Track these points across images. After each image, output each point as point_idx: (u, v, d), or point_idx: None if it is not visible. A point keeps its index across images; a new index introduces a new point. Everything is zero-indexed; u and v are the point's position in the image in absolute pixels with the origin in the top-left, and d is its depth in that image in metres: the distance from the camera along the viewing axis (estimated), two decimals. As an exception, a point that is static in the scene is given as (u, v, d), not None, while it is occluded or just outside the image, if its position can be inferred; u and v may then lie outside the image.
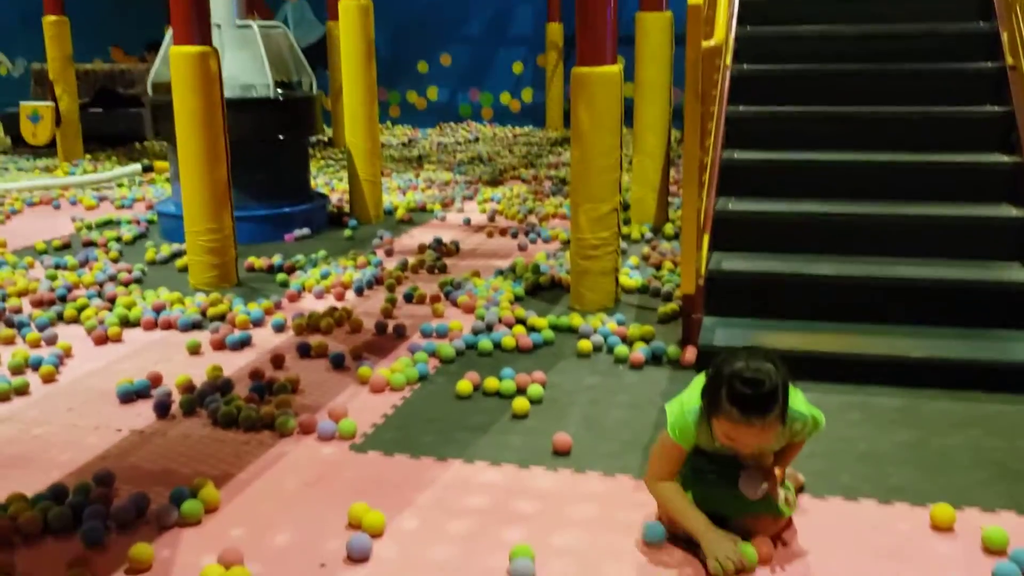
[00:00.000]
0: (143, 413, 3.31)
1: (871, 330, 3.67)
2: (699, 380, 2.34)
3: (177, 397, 3.40)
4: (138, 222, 6.55)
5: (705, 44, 3.66)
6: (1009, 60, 4.40)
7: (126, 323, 4.30)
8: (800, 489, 2.60)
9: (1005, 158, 4.12)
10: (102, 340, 4.08)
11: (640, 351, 3.75)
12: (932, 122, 4.36)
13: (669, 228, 6.09)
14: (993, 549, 2.31)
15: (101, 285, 4.91)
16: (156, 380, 3.55)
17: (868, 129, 4.42)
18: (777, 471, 2.33)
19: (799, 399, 2.26)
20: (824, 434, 2.88)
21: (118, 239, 6.04)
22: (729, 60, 4.70)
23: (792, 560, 2.30)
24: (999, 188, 4.07)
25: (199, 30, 4.74)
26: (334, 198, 7.44)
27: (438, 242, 5.87)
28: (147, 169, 8.75)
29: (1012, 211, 3.91)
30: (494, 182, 8.44)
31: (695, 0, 3.63)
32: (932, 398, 3.30)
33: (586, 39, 4.28)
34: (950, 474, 2.75)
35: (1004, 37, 4.52)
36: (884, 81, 4.62)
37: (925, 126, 4.37)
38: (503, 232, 6.33)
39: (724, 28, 4.12)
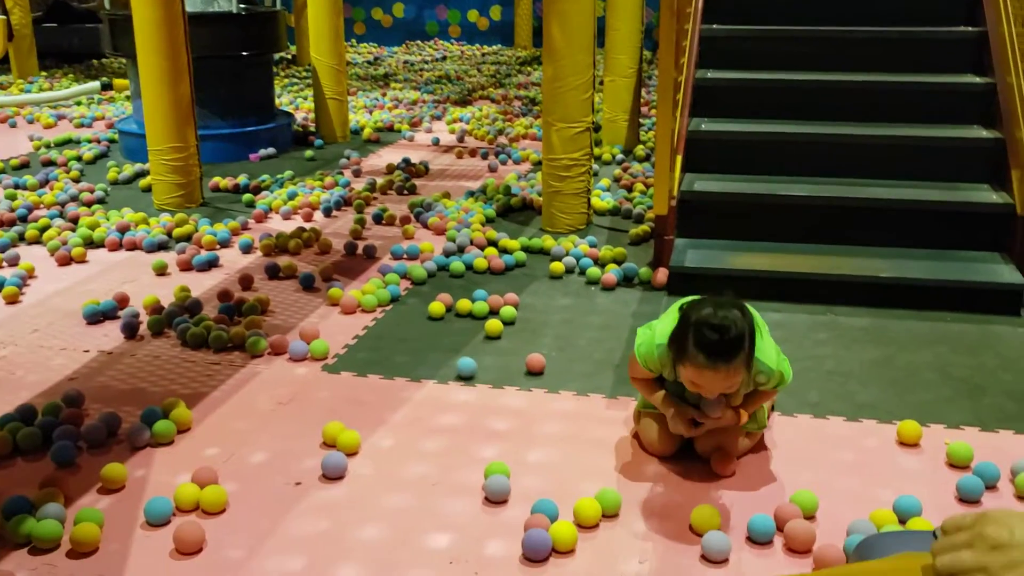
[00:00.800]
0: (110, 334, 3.27)
1: (841, 251, 3.69)
2: (674, 310, 2.34)
3: (145, 318, 3.36)
4: (99, 141, 6.40)
5: (681, -41, 3.59)
6: (984, -20, 4.36)
7: (90, 244, 4.23)
8: (772, 408, 2.64)
9: (977, 79, 4.11)
10: (66, 261, 4.01)
11: (612, 273, 3.75)
12: (906, 43, 4.33)
13: (640, 150, 6.06)
14: (957, 464, 2.36)
15: (63, 205, 4.81)
16: (123, 301, 3.50)
17: (842, 49, 4.38)
18: (743, 412, 2.35)
19: (769, 350, 2.27)
20: (793, 353, 2.93)
21: (78, 158, 5.90)
22: (703, -23, 4.61)
23: (762, 475, 2.35)
24: (971, 110, 4.07)
25: (158, -60, 4.57)
26: (299, 117, 7.30)
27: (407, 162, 5.80)
28: (106, 87, 8.52)
29: (983, 132, 3.92)
30: (463, 102, 8.32)
31: (672, -87, 3.54)
32: (899, 317, 3.35)
33: (559, -47, 4.17)
34: (916, 391, 2.80)
35: (979, -44, 4.47)
36: (857, 1, 4.56)
37: (900, 47, 4.33)
38: (473, 153, 6.27)
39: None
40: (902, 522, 2.10)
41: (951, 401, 2.74)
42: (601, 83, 6.33)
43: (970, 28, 4.33)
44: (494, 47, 12.82)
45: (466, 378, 2.77)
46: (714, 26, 4.55)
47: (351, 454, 2.43)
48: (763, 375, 2.25)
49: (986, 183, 3.83)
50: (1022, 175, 3.58)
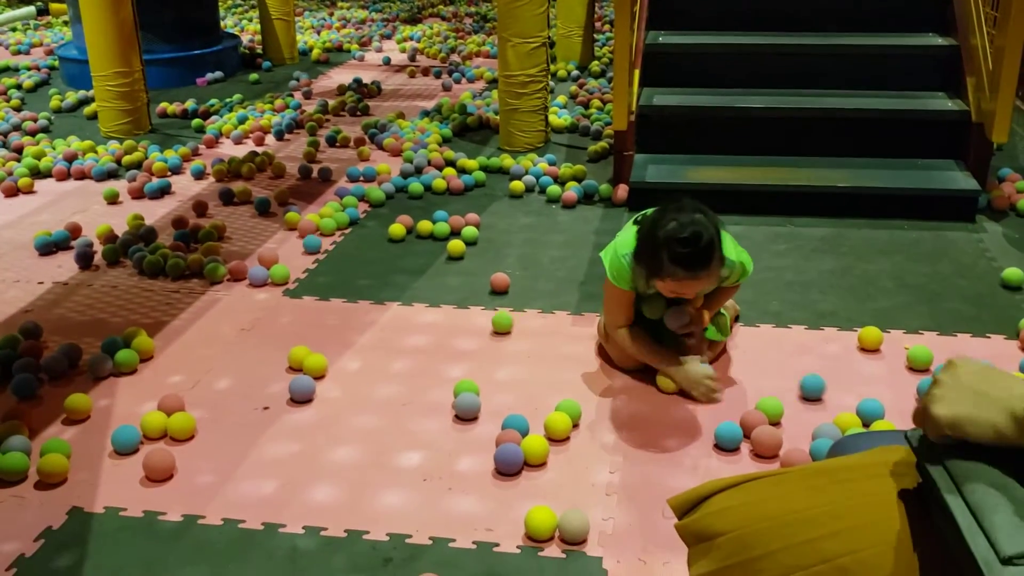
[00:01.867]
0: (64, 264, 3.21)
1: (799, 162, 3.71)
2: (629, 226, 2.34)
3: (99, 247, 3.29)
4: (38, 68, 6.17)
5: None
6: None
7: (37, 174, 4.11)
8: (736, 318, 2.67)
9: (932, -13, 4.10)
10: (12, 192, 3.90)
11: (572, 190, 3.73)
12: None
13: (595, 66, 5.99)
14: (917, 367, 2.41)
15: (5, 135, 4.65)
16: (75, 231, 3.42)
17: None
18: (705, 313, 2.37)
19: (729, 244, 2.28)
20: (754, 264, 2.95)
21: (18, 87, 5.70)
22: None
23: (727, 384, 2.38)
24: (925, 17, 4.06)
25: None
26: (245, 39, 7.10)
27: (358, 83, 5.69)
28: (42, 12, 8.19)
29: (938, 40, 3.92)
30: (412, 20, 8.14)
31: None
32: (857, 227, 3.39)
33: None
34: (875, 299, 2.84)
35: None
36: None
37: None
38: (425, 72, 6.16)
39: None
40: (866, 425, 2.15)
41: (909, 307, 2.79)
42: (554, -1, 6.23)
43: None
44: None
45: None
46: (669, -64, 4.47)
47: (318, 377, 2.43)
48: (725, 269, 2.27)
49: (941, 91, 3.85)
50: (976, 82, 3.60)
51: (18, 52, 6.87)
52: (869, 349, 2.53)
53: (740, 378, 2.42)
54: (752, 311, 2.76)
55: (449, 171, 4.05)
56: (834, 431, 2.10)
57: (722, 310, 2.49)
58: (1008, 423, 0.89)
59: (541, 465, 2.05)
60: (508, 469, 2.02)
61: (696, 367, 2.30)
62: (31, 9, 8.03)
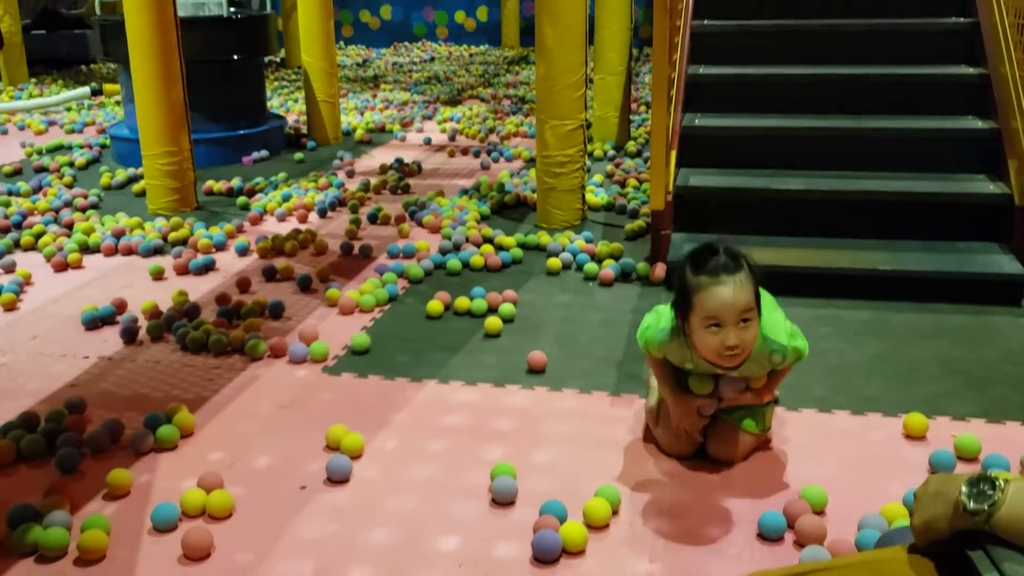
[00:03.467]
0: (109, 340, 3.25)
1: (839, 244, 3.69)
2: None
3: (144, 323, 3.34)
4: (90, 146, 6.36)
5: (674, -45, 3.58)
6: (974, -29, 4.37)
7: (86, 249, 4.20)
8: (775, 401, 2.63)
9: (971, 70, 4.12)
10: (62, 267, 3.99)
11: (610, 268, 3.74)
12: (898, 35, 4.34)
13: (632, 146, 6.06)
14: (965, 456, 2.36)
15: (57, 211, 4.78)
16: (121, 306, 3.48)
17: (833, 43, 4.39)
18: (763, 391, 2.33)
19: (779, 326, 2.25)
20: (797, 347, 2.93)
21: (71, 164, 5.87)
22: (694, -26, 4.61)
23: (770, 471, 2.34)
24: (965, 101, 4.08)
25: (148, -56, 4.54)
26: (290, 119, 7.28)
27: (399, 162, 5.79)
28: (96, 92, 8.48)
29: (977, 123, 3.93)
30: (452, 101, 8.31)
31: (665, -91, 3.53)
32: (899, 310, 3.35)
33: (551, -49, 4.17)
34: (920, 384, 2.80)
35: (970, -52, 4.48)
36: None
37: (892, 39, 4.34)
38: (465, 151, 6.26)
39: (692, -60, 4.03)
40: (911, 514, 2.10)
41: (955, 393, 2.74)
42: (591, 80, 6.33)
43: (962, 19, 4.34)
44: (481, 47, 12.80)
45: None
46: (705, 22, 4.56)
47: (355, 457, 2.42)
48: (777, 354, 2.22)
49: (983, 173, 3.84)
50: (1019, 165, 3.59)
51: (72, 131, 7.09)
52: (915, 436, 2.48)
53: (783, 465, 2.38)
54: (795, 395, 2.72)
55: (487, 248, 4.09)
56: (880, 521, 2.05)
57: (773, 402, 2.44)
58: (950, 511, 1.05)
59: (580, 552, 2.02)
60: (546, 556, 1.99)
61: (686, 406, 2.29)
62: (86, 89, 8.31)
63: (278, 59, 11.03)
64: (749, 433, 2.38)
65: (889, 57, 4.29)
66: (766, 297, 2.27)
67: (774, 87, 4.26)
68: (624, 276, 3.77)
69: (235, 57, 5.86)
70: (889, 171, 3.91)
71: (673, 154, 3.91)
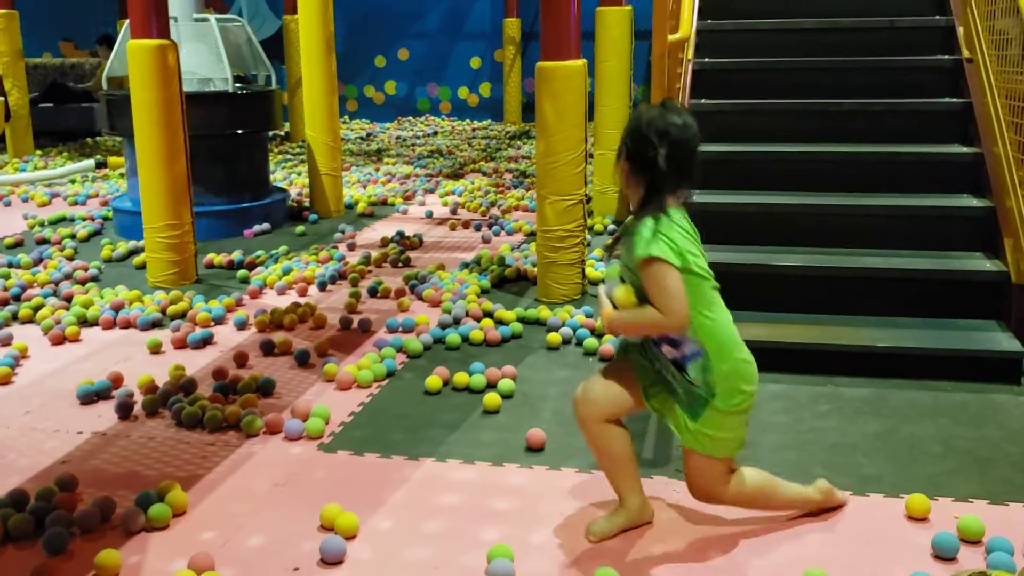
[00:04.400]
0: (104, 415, 3.23)
1: (838, 321, 3.69)
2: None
3: (139, 398, 3.32)
4: (93, 219, 6.41)
5: (671, 37, 3.65)
6: (965, 53, 4.44)
7: (84, 322, 4.20)
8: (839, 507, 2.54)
9: (965, 149, 4.17)
10: (59, 340, 3.98)
11: (610, 343, 3.73)
12: (893, 114, 4.39)
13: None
14: (969, 538, 2.32)
15: (57, 284, 4.79)
16: (117, 380, 3.47)
17: (830, 121, 4.44)
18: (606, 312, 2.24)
19: (646, 230, 2.12)
20: (795, 426, 2.92)
21: (72, 236, 5.90)
22: (691, 54, 4.69)
23: (773, 552, 2.30)
24: (960, 179, 4.11)
25: (157, 23, 4.64)
26: (293, 192, 7.34)
27: (401, 235, 5.82)
28: (100, 165, 8.57)
29: (973, 201, 3.95)
30: (455, 175, 8.39)
31: (661, -8, 3.62)
32: (900, 388, 3.33)
33: (550, 34, 4.26)
34: (922, 464, 2.77)
35: (960, 31, 4.56)
36: (845, 74, 4.64)
37: (886, 118, 4.40)
38: (466, 225, 6.30)
39: (689, 22, 4.11)
40: (915, 600, 2.06)
41: (957, 473, 2.71)
42: (591, 156, 6.40)
43: (955, 100, 4.40)
44: (484, 122, 12.98)
45: None
46: (703, 101, 4.62)
47: (350, 537, 2.38)
48: (637, 247, 2.11)
49: (980, 251, 3.85)
50: (1014, 243, 3.60)
51: (75, 203, 7.15)
52: (917, 518, 2.44)
53: (786, 545, 2.34)
54: (795, 474, 2.69)
55: (487, 322, 4.08)
56: (884, 607, 2.00)
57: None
58: None
59: (577, 637, 1.98)
60: (542, 641, 1.95)
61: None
62: (91, 162, 8.40)
63: (282, 133, 11.17)
64: (697, 456, 2.26)
65: (885, 136, 4.34)
66: (673, 217, 2.20)
67: (772, 165, 4.30)
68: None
69: (239, 132, 5.93)
70: (887, 248, 3.92)
71: (672, 230, 3.93)
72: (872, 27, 4.82)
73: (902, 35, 4.77)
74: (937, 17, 4.86)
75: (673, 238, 2.17)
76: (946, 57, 4.60)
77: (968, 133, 4.27)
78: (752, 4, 5.09)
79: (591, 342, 3.79)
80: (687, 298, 2.14)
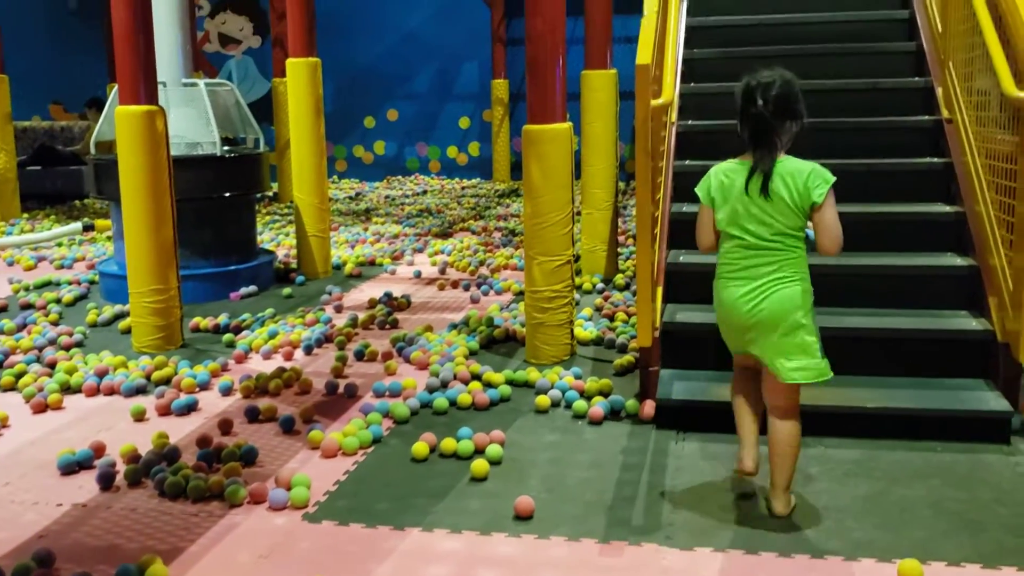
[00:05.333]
0: (85, 485, 3.18)
1: (826, 381, 3.67)
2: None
3: (121, 467, 3.28)
4: (79, 283, 6.38)
5: (654, 102, 3.69)
6: (945, 113, 4.51)
7: (67, 389, 4.16)
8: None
9: (947, 208, 4.20)
10: (41, 408, 3.94)
11: (599, 406, 3.71)
12: (876, 174, 4.43)
13: (620, 279, 6.11)
14: (962, 606, 2.30)
15: (40, 350, 4.75)
16: (99, 450, 3.42)
17: (814, 181, 4.47)
18: None
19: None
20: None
21: (58, 301, 5.87)
22: (675, 117, 4.75)
23: (761, 623, 2.27)
24: (943, 237, 4.14)
25: (145, 89, 4.67)
26: (280, 253, 7.34)
27: (389, 296, 5.81)
28: (88, 228, 8.56)
29: (957, 260, 3.98)
30: (444, 234, 8.42)
31: (643, 60, 3.66)
32: (890, 448, 3.32)
33: (536, 98, 4.31)
34: (913, 527, 2.74)
35: (939, 92, 4.63)
36: (827, 134, 4.66)
37: (870, 178, 4.44)
38: (455, 284, 6.30)
39: (672, 86, 4.16)
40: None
41: (949, 536, 2.68)
42: (579, 214, 6.43)
43: (937, 159, 4.45)
44: (473, 181, 13.07)
45: None
46: (687, 162, 4.67)
47: (334, 611, 2.34)
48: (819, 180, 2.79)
49: (964, 309, 3.86)
50: (999, 302, 3.62)
51: (61, 267, 7.12)
52: (910, 584, 2.41)
53: (775, 616, 2.30)
54: (786, 539, 2.66)
55: (475, 385, 4.06)
56: None
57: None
58: None
59: None
60: None
61: None
62: (78, 225, 8.40)
63: (270, 194, 11.21)
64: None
65: (869, 196, 4.37)
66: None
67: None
68: (614, 414, 3.73)
69: (227, 195, 5.95)
70: (873, 307, 3.93)
71: (659, 290, 3.95)
72: (855, 88, 4.89)
73: (884, 96, 4.84)
74: (916, 79, 4.94)
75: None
76: (927, 117, 4.67)
77: (950, 192, 4.32)
78: (734, 67, 5.13)
79: (580, 404, 3.76)
80: None
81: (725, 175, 2.86)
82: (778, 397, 2.82)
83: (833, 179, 2.75)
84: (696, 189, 2.95)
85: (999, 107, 3.73)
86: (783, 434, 2.80)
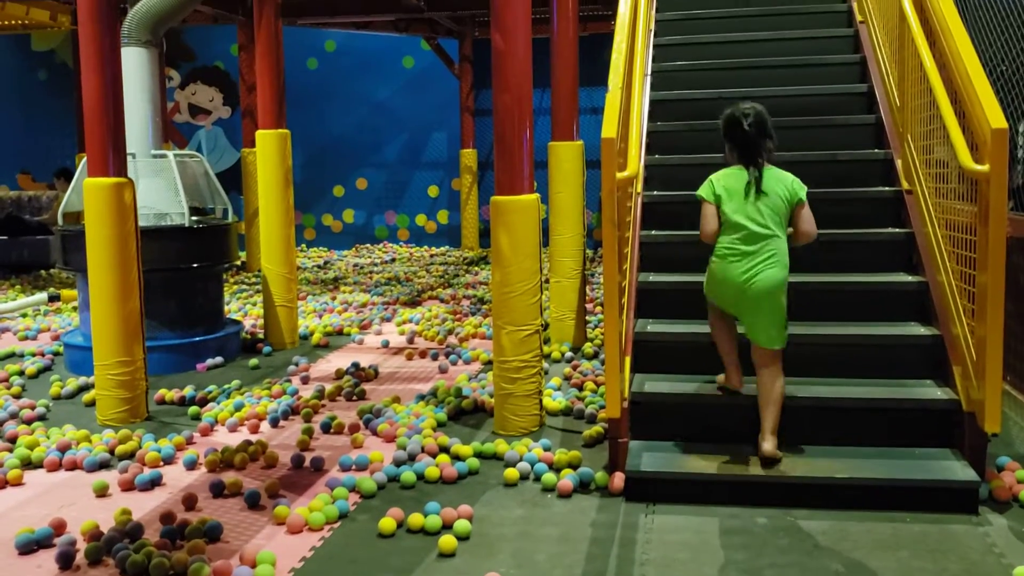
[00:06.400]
0: (44, 564, 3.10)
1: (794, 451, 3.69)
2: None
3: (82, 545, 3.20)
4: (43, 354, 6.30)
5: (620, 175, 3.74)
6: (905, 184, 4.60)
7: (28, 464, 4.08)
8: None
9: (909, 278, 4.27)
10: (1, 484, 3.85)
11: (568, 478, 3.69)
12: (838, 244, 4.49)
13: (588, 347, 6.12)
14: None
15: (1, 424, 4.66)
16: (59, 527, 3.34)
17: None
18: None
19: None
20: (754, 561, 2.87)
21: (21, 373, 5.78)
22: (640, 187, 4.82)
23: None
24: (907, 307, 4.20)
25: (115, 161, 4.68)
26: (248, 324, 7.30)
27: (356, 367, 5.78)
28: (53, 299, 8.48)
29: (921, 329, 4.03)
30: (412, 303, 8.41)
31: (608, 133, 3.72)
32: (859, 519, 3.32)
33: (504, 169, 4.36)
34: (883, 600, 2.73)
35: (899, 163, 4.74)
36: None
37: (832, 248, 4.49)
38: (423, 354, 6.28)
39: (637, 159, 4.22)
40: None
41: (919, 610, 2.67)
42: (547, 282, 6.46)
43: (898, 230, 4.53)
44: (442, 248, 13.13)
45: None
46: (652, 232, 4.72)
47: None
48: (798, 186, 3.75)
49: (930, 379, 3.90)
50: (963, 371, 3.66)
51: (25, 338, 7.03)
52: (882, 660, 2.39)
53: None
54: (756, 615, 2.64)
55: (443, 458, 4.02)
56: None
57: None
58: None
59: None
60: None
61: None
62: (43, 296, 8.32)
63: (238, 263, 11.18)
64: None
65: (831, 266, 4.43)
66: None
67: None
68: (583, 486, 3.71)
69: (195, 265, 5.92)
70: (839, 376, 3.96)
71: (628, 360, 3.95)
72: (814, 160, 4.98)
73: (845, 168, 4.93)
74: (876, 150, 5.05)
75: None
76: (887, 188, 4.76)
77: (912, 262, 4.39)
78: (698, 140, 5.25)
79: (549, 477, 3.74)
80: None
81: (726, 179, 3.72)
82: (765, 358, 3.66)
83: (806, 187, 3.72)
84: (699, 192, 3.76)
85: (958, 179, 3.82)
86: (770, 386, 3.62)
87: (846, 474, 3.46)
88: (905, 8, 4.35)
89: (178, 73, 13.64)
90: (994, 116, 3.39)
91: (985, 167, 3.38)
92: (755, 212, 3.62)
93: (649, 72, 5.57)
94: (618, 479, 3.66)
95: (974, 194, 3.56)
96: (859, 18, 5.66)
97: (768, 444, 3.54)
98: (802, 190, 3.67)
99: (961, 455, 3.57)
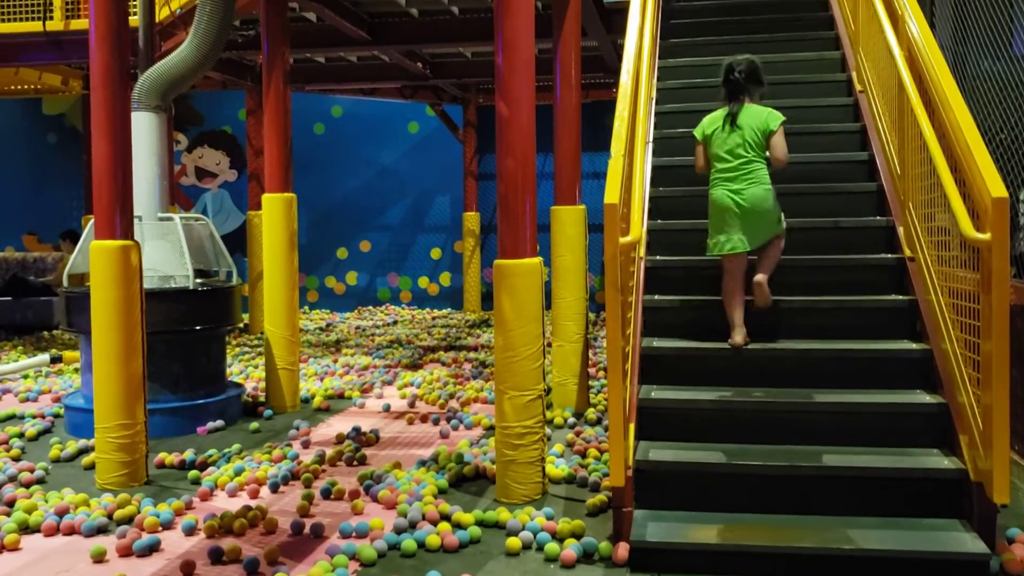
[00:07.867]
0: (38, 634, 3.05)
1: (799, 522, 3.64)
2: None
3: (77, 614, 3.15)
4: (43, 416, 6.26)
5: (623, 240, 3.76)
6: (907, 252, 4.62)
7: (26, 529, 4.03)
8: None
9: (914, 345, 4.26)
10: (-4, 550, 3.81)
11: (571, 548, 3.64)
12: (842, 311, 4.50)
13: (591, 413, 6.09)
14: None
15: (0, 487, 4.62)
16: (54, 595, 3.29)
17: (781, 318, 4.53)
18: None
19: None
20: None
21: (20, 435, 5.74)
22: (643, 252, 4.84)
23: None
24: (911, 375, 4.18)
25: (121, 224, 4.71)
26: (249, 386, 7.27)
27: (357, 431, 5.74)
28: (55, 360, 8.46)
29: (926, 397, 4.00)
30: (414, 366, 8.39)
31: (611, 199, 3.75)
32: (867, 592, 3.26)
33: (507, 233, 4.38)
34: (894, 677, 2.67)
35: (900, 231, 4.76)
36: (791, 271, 4.74)
37: (835, 315, 4.50)
38: (424, 418, 6.24)
39: (640, 223, 4.25)
40: None
41: None
42: (549, 346, 6.45)
43: (901, 297, 4.53)
44: (444, 311, 13.14)
45: None
46: (655, 296, 4.72)
47: None
48: (772, 117, 4.47)
49: (936, 448, 3.87)
50: (969, 440, 3.63)
51: (26, 399, 7.00)
52: None
53: None
54: None
55: (444, 526, 3.98)
56: None
57: None
58: None
59: None
60: None
61: None
62: (45, 357, 8.30)
63: (242, 325, 11.19)
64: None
65: (834, 332, 4.43)
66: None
67: (728, 360, 4.36)
68: (586, 556, 3.66)
69: (198, 328, 5.92)
70: (844, 445, 3.93)
71: (632, 427, 3.93)
72: (817, 227, 5.01)
73: (847, 235, 4.95)
74: (878, 218, 5.07)
75: None
76: (889, 256, 4.77)
77: (916, 329, 4.38)
78: (699, 205, 5.28)
79: (552, 547, 3.69)
80: None
81: (711, 119, 4.49)
82: (772, 249, 4.48)
83: (783, 117, 4.36)
84: (694, 131, 4.57)
85: (960, 246, 3.83)
86: (774, 251, 4.49)
87: (854, 546, 3.41)
88: (904, 79, 4.41)
89: (185, 136, 13.81)
90: (994, 185, 3.42)
91: (987, 236, 3.40)
92: (732, 143, 4.36)
93: (651, 139, 5.63)
94: (622, 549, 3.61)
95: (976, 262, 3.57)
96: (858, 87, 5.73)
97: (760, 276, 4.40)
98: (775, 121, 4.33)
99: (970, 526, 3.53)
